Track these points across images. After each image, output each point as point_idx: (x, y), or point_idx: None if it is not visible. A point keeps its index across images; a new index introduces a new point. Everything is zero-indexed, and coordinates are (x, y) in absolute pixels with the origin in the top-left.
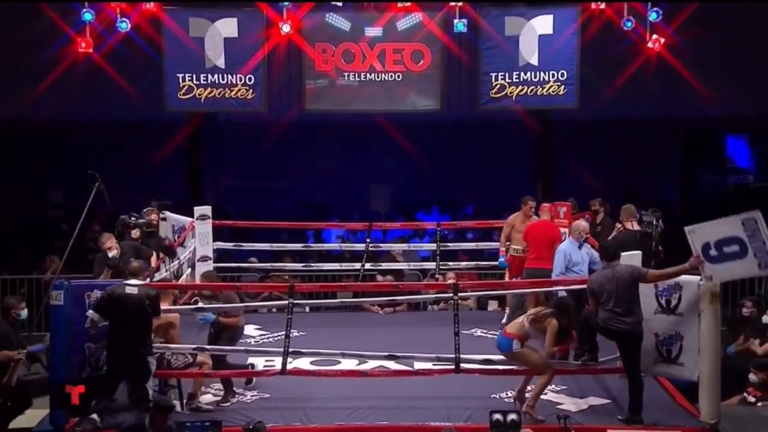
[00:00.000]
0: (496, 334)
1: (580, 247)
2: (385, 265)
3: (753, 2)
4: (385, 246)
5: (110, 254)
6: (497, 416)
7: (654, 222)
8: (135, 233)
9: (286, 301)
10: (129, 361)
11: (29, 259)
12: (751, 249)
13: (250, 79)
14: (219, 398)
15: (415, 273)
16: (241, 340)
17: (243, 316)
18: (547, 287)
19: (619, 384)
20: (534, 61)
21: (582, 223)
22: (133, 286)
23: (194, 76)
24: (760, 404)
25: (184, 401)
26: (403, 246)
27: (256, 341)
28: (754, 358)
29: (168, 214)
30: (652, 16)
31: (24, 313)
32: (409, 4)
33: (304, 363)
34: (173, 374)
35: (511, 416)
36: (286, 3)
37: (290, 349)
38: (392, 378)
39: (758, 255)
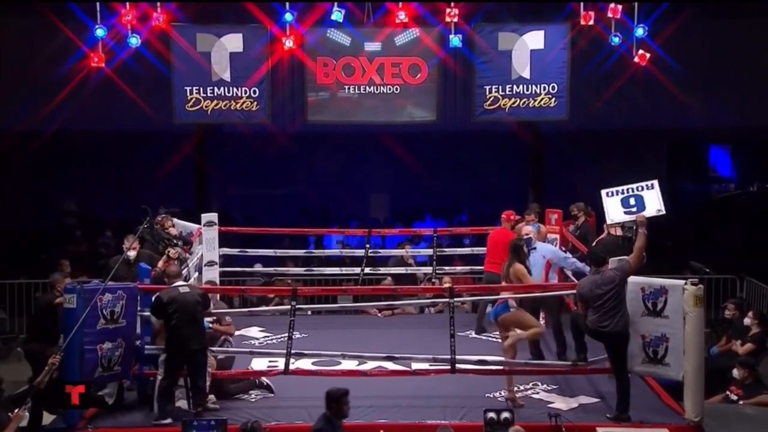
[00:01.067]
0: (490, 336)
1: (531, 250)
2: (394, 270)
3: (735, 18)
4: (384, 252)
5: (130, 254)
6: (491, 414)
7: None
8: (173, 253)
9: (289, 305)
10: (194, 355)
11: (45, 264)
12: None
13: (254, 92)
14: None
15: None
16: (245, 342)
17: (233, 325)
18: (537, 292)
19: (608, 384)
20: (526, 74)
21: (522, 228)
22: (184, 286)
23: (201, 89)
24: (741, 402)
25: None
26: (402, 252)
27: (260, 342)
28: (736, 358)
29: (176, 221)
30: (639, 32)
31: None
32: (406, 20)
33: (306, 363)
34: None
35: (505, 414)
36: (290, 18)
37: (293, 351)
38: (391, 378)
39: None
